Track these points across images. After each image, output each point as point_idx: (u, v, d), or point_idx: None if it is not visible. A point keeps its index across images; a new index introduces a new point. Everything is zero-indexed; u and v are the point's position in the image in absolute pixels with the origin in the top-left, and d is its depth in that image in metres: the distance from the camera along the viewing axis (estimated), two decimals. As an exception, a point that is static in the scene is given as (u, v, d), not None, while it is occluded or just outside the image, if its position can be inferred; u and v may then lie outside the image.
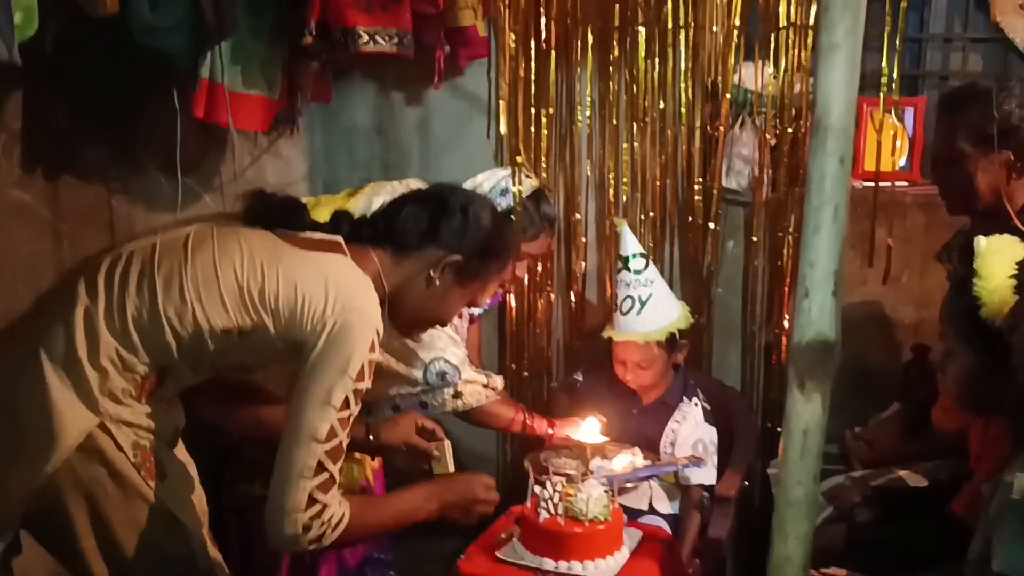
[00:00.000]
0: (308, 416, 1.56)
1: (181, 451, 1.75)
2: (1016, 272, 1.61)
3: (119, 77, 2.19)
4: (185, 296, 1.56)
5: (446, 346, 2.33)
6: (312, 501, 1.56)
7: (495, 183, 2.51)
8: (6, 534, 1.52)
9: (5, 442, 1.52)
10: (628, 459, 2.44)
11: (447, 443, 2.12)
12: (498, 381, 2.48)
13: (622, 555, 2.07)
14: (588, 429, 2.52)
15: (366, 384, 1.62)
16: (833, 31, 0.68)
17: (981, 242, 1.72)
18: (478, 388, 2.41)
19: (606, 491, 2.08)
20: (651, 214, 3.01)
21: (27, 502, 1.50)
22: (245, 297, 1.59)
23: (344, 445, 1.61)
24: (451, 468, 2.09)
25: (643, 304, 2.55)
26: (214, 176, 2.56)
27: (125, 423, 1.55)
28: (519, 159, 2.70)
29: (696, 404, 2.62)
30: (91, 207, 2.22)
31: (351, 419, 1.60)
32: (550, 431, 2.56)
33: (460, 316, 2.55)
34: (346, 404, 1.58)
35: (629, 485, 2.44)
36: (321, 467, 1.56)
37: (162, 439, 1.63)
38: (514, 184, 2.48)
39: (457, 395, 2.37)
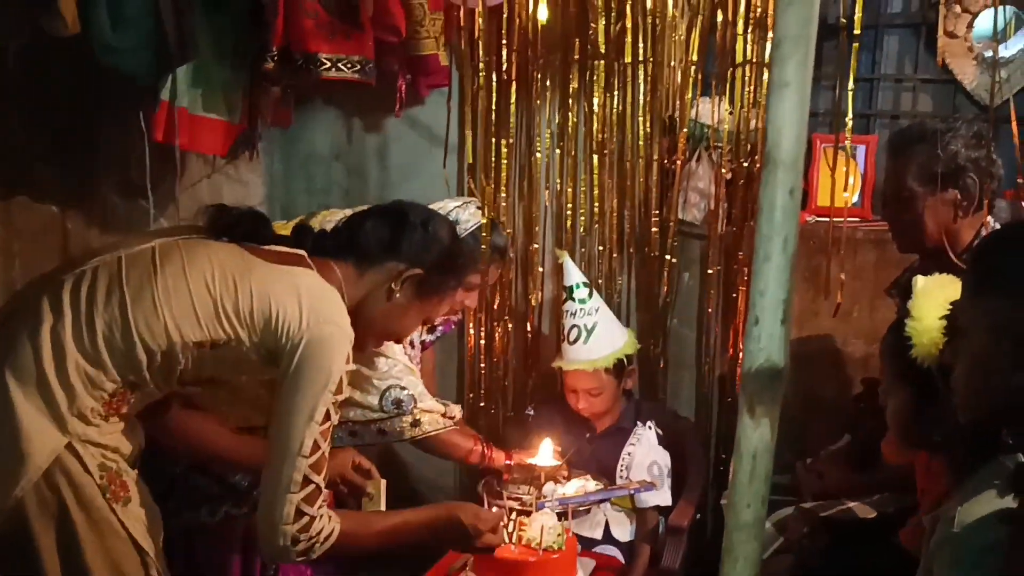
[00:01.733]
0: (292, 432, 1.58)
1: (138, 474, 1.73)
2: (948, 313, 1.65)
3: (77, 97, 2.18)
4: (157, 310, 1.55)
5: (402, 375, 2.33)
6: (300, 514, 1.60)
7: (445, 214, 2.52)
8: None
9: None
10: (580, 484, 2.46)
11: (383, 482, 2.11)
12: (456, 410, 2.47)
13: (575, 584, 2.08)
14: (543, 452, 2.52)
15: (344, 395, 1.65)
16: (784, 67, 0.70)
17: (918, 282, 1.76)
18: (436, 417, 2.40)
19: (560, 520, 2.09)
20: (608, 246, 3.04)
21: None
22: (219, 310, 1.59)
23: (327, 455, 1.64)
24: (383, 507, 2.09)
25: (589, 333, 2.59)
26: (171, 198, 2.54)
27: (92, 443, 1.54)
28: (472, 188, 2.71)
29: (649, 427, 2.65)
30: (45, 227, 2.20)
31: (332, 428, 1.64)
32: (508, 463, 2.55)
33: (412, 345, 2.55)
34: (327, 417, 1.61)
35: (582, 509, 2.45)
36: (307, 480, 1.60)
37: (126, 460, 1.61)
38: (464, 213, 2.49)
39: (415, 423, 2.37)
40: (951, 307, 1.65)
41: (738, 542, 0.78)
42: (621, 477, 2.59)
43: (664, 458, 2.62)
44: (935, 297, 1.72)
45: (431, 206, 2.52)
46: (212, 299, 1.59)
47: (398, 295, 1.82)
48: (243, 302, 1.60)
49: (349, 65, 2.57)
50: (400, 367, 2.34)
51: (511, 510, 2.13)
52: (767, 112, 0.72)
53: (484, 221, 2.58)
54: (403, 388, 2.32)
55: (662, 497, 2.55)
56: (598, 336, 2.59)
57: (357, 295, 1.79)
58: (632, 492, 2.51)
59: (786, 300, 0.72)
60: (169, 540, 2.34)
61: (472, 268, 2.14)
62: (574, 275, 2.66)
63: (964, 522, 1.54)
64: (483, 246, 2.52)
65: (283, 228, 2.23)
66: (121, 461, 1.60)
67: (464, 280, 2.02)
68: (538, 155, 3.03)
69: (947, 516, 1.58)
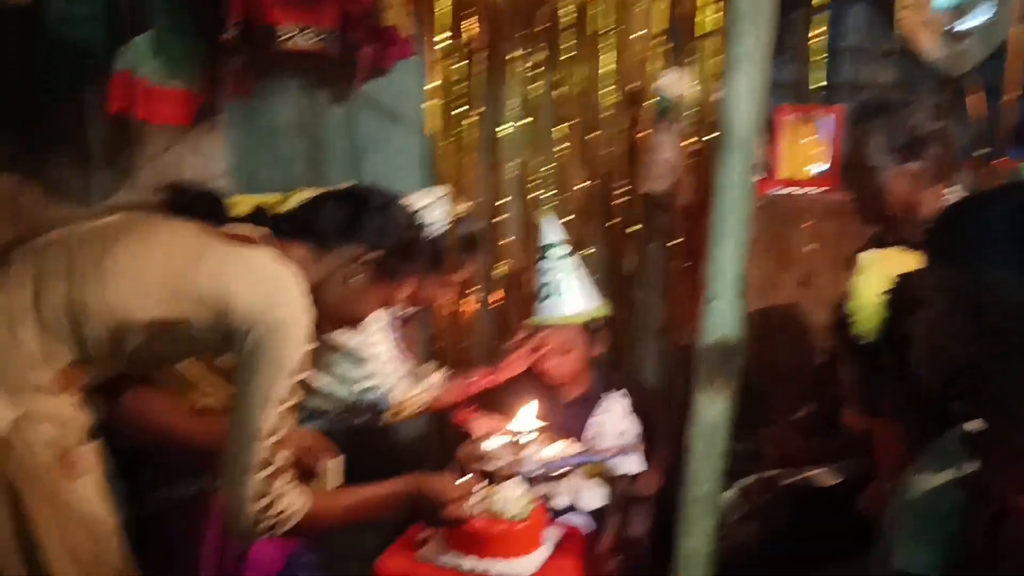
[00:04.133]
0: (251, 415, 1.58)
1: (95, 448, 1.72)
2: (892, 287, 1.67)
3: (29, 68, 2.14)
4: (107, 288, 1.54)
5: (377, 372, 2.35)
6: (262, 493, 1.60)
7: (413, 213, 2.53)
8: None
9: None
10: (559, 448, 2.47)
11: (336, 460, 2.11)
12: (435, 380, 2.49)
13: (541, 553, 2.09)
14: (524, 415, 2.52)
15: (306, 373, 1.65)
16: (740, 43, 0.70)
17: (861, 259, 1.78)
18: (414, 403, 2.43)
19: (533, 486, 2.10)
20: (573, 216, 3.04)
21: None
22: (172, 289, 1.58)
23: (287, 434, 1.63)
24: (337, 484, 2.08)
25: (563, 289, 2.59)
26: (129, 170, 2.51)
27: (46, 417, 1.53)
28: (446, 187, 2.71)
29: (618, 396, 2.65)
30: (-2, 200, 2.17)
31: (294, 408, 1.63)
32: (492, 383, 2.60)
33: (393, 328, 2.56)
34: (286, 398, 1.60)
35: (562, 470, 2.47)
36: (268, 461, 1.60)
37: (80, 435, 1.60)
38: (436, 205, 2.49)
39: (396, 413, 2.40)
40: (900, 279, 1.67)
41: (694, 516, 0.79)
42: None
43: (633, 426, 2.64)
44: (876, 273, 1.74)
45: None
46: (166, 278, 1.58)
47: (356, 279, 1.82)
48: (197, 280, 1.59)
49: (311, 35, 2.53)
50: (384, 365, 2.36)
51: (481, 476, 2.13)
52: (723, 89, 0.73)
53: (459, 213, 2.59)
54: (379, 388, 2.37)
55: (634, 464, 2.58)
56: (572, 292, 2.60)
57: (315, 278, 1.78)
58: (614, 456, 2.53)
59: (742, 276, 0.73)
60: (143, 516, 2.35)
61: (434, 257, 2.14)
62: (552, 233, 2.66)
63: (921, 489, 1.58)
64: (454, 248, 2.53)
65: (245, 203, 2.22)
66: (74, 435, 1.59)
67: (423, 265, 2.02)
68: (505, 126, 3.01)
69: (904, 484, 1.62)
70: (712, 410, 0.74)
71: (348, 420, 2.45)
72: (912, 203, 2.25)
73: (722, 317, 0.73)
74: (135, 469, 2.39)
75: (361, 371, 2.37)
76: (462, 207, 2.63)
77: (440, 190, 2.67)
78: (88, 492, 1.60)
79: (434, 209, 2.51)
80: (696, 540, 0.77)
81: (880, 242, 2.30)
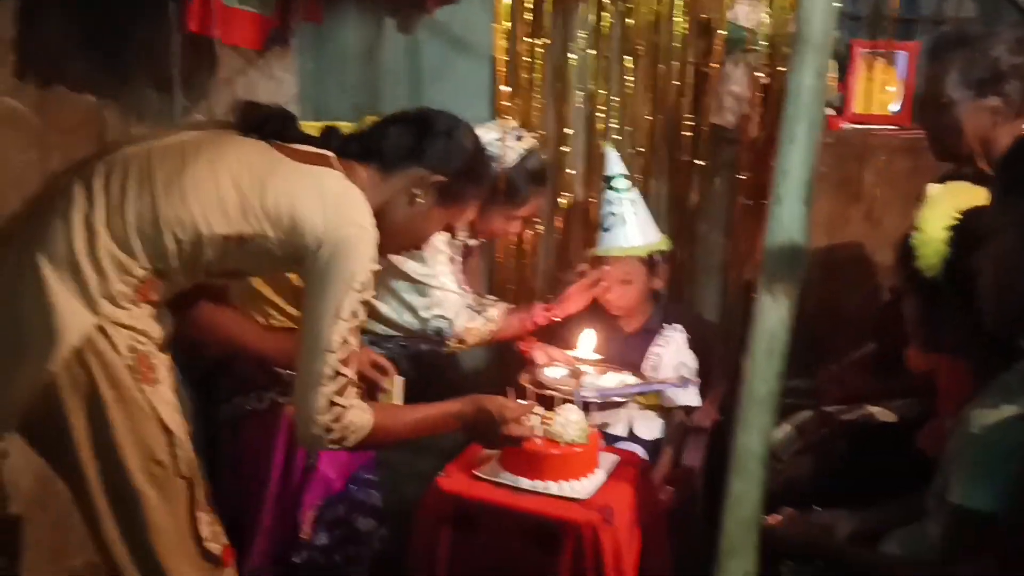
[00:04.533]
0: (320, 329, 1.63)
1: (169, 360, 1.78)
2: (958, 221, 1.65)
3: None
4: (185, 201, 1.59)
5: (441, 300, 2.39)
6: (331, 405, 1.66)
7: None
8: (7, 430, 1.55)
9: (7, 341, 1.54)
10: (618, 378, 2.50)
11: (399, 379, 2.17)
12: (496, 313, 2.52)
13: (597, 477, 2.13)
14: (583, 343, 2.55)
15: (370, 293, 1.69)
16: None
17: (931, 190, 1.75)
18: (477, 332, 2.47)
19: (586, 415, 2.14)
20: (640, 149, 3.02)
21: (28, 402, 1.53)
22: (244, 205, 1.62)
23: (356, 350, 1.70)
24: (399, 403, 2.15)
25: (626, 222, 2.60)
26: (204, 92, 2.55)
27: (123, 326, 1.58)
28: (511, 121, 2.70)
29: (677, 330, 2.67)
30: (81, 118, 2.22)
31: (359, 326, 1.69)
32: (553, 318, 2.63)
33: (453, 260, 2.59)
34: (354, 315, 1.65)
35: (619, 399, 2.52)
36: (337, 374, 1.65)
37: (156, 344, 1.66)
38: (503, 140, 2.50)
39: (460, 341, 2.45)
40: (968, 213, 1.64)
41: (753, 415, 0.81)
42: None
43: (691, 360, 2.66)
44: (944, 206, 1.71)
45: None
46: (239, 194, 1.62)
47: (420, 201, 1.85)
48: (269, 199, 1.63)
49: (382, -39, 2.53)
50: (448, 295, 2.42)
51: (540, 400, 2.17)
52: (800, -3, 0.72)
53: (528, 148, 2.59)
54: (445, 318, 2.42)
55: (690, 397, 2.60)
56: (634, 226, 2.61)
57: (380, 199, 1.81)
58: (668, 387, 2.56)
59: (809, 181, 0.73)
60: (216, 428, 2.45)
61: (499, 188, 2.14)
62: (615, 166, 2.66)
63: (984, 424, 1.57)
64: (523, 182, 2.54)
65: (314, 129, 2.25)
66: (151, 345, 1.64)
67: (486, 191, 2.07)
68: (572, 56, 2.99)
69: (966, 419, 1.61)
70: (774, 313, 0.76)
71: (412, 348, 2.50)
72: (989, 139, 2.19)
73: (787, 221, 0.74)
74: (207, 383, 2.49)
75: (426, 300, 2.43)
76: (528, 141, 2.63)
77: (507, 124, 2.68)
78: (163, 399, 1.65)
79: (500, 143, 2.52)
80: (752, 438, 0.79)
81: (953, 180, 2.26)
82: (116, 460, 1.59)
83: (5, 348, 1.55)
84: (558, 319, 2.65)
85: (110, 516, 1.61)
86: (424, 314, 2.42)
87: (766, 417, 0.78)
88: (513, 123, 2.75)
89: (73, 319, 1.53)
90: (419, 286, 2.44)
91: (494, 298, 2.68)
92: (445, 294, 2.44)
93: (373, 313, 2.34)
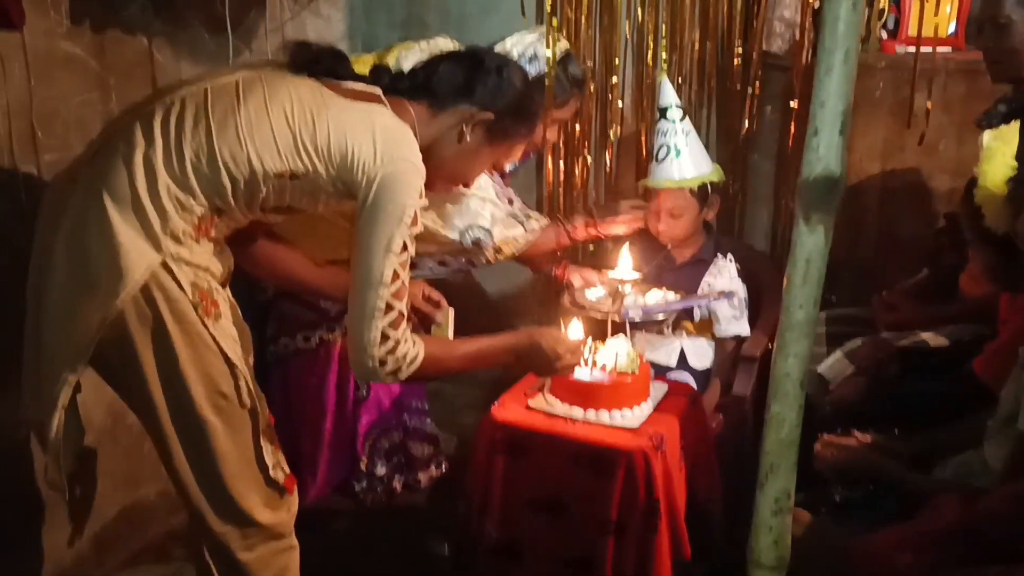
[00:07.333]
0: (372, 262, 1.68)
1: (228, 295, 1.84)
2: (1016, 175, 1.62)
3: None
4: (240, 139, 1.63)
5: (479, 211, 2.39)
6: (385, 338, 1.71)
7: (523, 49, 2.52)
8: (81, 363, 1.62)
9: (78, 276, 1.60)
10: (660, 295, 2.53)
11: (451, 311, 2.22)
12: (536, 225, 2.53)
13: (647, 406, 2.16)
14: (622, 262, 2.53)
15: (419, 228, 1.73)
16: None
17: (986, 141, 1.71)
18: (516, 242, 2.47)
19: (635, 346, 2.16)
20: (689, 78, 2.99)
21: (100, 333, 1.59)
22: (297, 142, 1.66)
23: (407, 284, 1.74)
24: (450, 335, 2.19)
25: (679, 152, 2.58)
26: (255, 32, 2.58)
27: (185, 262, 1.63)
28: (554, 22, 2.68)
29: (730, 260, 2.67)
30: (136, 60, 2.27)
31: (409, 261, 1.73)
32: (593, 232, 2.65)
33: (502, 174, 2.59)
34: (404, 248, 1.70)
35: (661, 317, 2.53)
36: (389, 307, 1.70)
37: (217, 280, 1.71)
38: (547, 47, 2.48)
39: (497, 251, 2.45)
40: (1018, 164, 1.62)
41: (790, 340, 0.83)
42: (699, 308, 2.65)
43: (742, 290, 2.66)
44: (1002, 157, 1.69)
45: (507, 41, 2.53)
46: (291, 132, 1.66)
47: (468, 138, 1.87)
48: (320, 136, 1.67)
49: None
50: (475, 201, 2.40)
51: (590, 334, 2.19)
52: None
53: (565, 49, 2.57)
54: (480, 226, 2.40)
55: (741, 327, 2.61)
56: (686, 157, 2.59)
57: (429, 136, 1.84)
58: (712, 300, 2.57)
59: (845, 111, 0.74)
60: (267, 366, 2.51)
61: (539, 117, 2.14)
62: (669, 96, 2.63)
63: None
64: (562, 81, 2.52)
65: (360, 62, 2.26)
66: (212, 280, 1.69)
67: (533, 129, 2.05)
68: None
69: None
70: (810, 241, 0.77)
71: (453, 263, 2.50)
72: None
73: (824, 151, 0.75)
74: (264, 319, 2.56)
75: (465, 210, 2.42)
76: (564, 44, 2.61)
77: (540, 28, 2.65)
78: (225, 332, 1.71)
79: (535, 47, 2.50)
80: (790, 363, 0.81)
81: (1008, 104, 2.21)
82: (183, 391, 1.66)
83: (76, 285, 1.61)
84: (602, 236, 2.65)
85: (179, 445, 1.69)
86: (462, 223, 2.39)
87: (803, 342, 0.80)
88: (543, 28, 2.69)
89: (139, 257, 1.58)
90: (455, 196, 2.43)
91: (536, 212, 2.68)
92: (483, 203, 2.43)
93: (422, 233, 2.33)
